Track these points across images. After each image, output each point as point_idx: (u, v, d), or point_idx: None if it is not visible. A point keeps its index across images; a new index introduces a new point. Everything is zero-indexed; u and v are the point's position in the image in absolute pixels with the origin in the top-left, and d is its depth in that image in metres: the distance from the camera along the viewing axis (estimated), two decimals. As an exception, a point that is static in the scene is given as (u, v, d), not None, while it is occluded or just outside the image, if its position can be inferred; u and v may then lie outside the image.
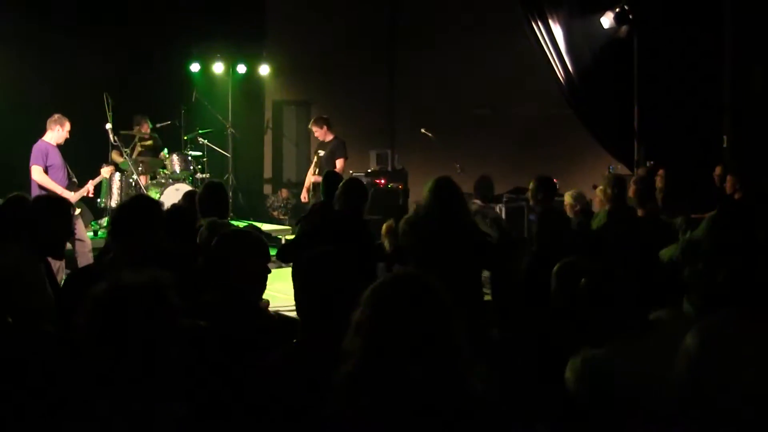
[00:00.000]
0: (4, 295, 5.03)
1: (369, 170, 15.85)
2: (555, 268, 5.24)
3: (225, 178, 15.85)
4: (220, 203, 8.05)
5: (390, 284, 2.85)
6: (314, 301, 3.73)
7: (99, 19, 15.26)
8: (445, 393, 2.68)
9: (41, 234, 5.71)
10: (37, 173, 11.12)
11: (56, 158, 11.36)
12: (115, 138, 12.92)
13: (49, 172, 11.19)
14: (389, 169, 15.95)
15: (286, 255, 8.26)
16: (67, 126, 11.55)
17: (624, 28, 13.82)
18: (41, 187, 11.00)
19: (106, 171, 12.29)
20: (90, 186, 11.66)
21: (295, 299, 3.83)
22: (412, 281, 2.84)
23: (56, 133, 11.46)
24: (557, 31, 13.97)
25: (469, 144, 16.24)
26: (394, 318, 2.73)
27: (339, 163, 13.36)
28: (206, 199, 7.93)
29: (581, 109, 14.47)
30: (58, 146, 11.44)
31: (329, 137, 13.76)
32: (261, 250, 4.56)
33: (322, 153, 13.65)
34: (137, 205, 5.58)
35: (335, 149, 13.61)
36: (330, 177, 9.38)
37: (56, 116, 11.54)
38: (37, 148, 11.26)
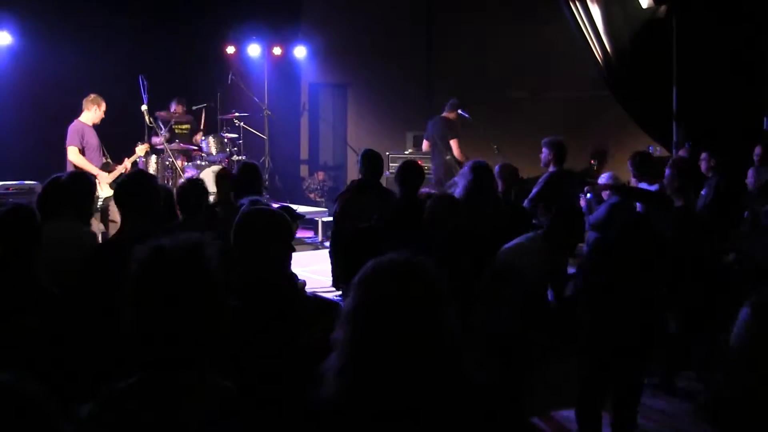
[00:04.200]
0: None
1: (407, 152, 15.88)
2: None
3: (261, 160, 15.86)
4: (255, 183, 8.07)
5: (375, 271, 2.66)
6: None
7: (134, 0, 15.32)
8: (438, 382, 2.56)
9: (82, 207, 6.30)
10: (73, 154, 11.20)
11: (92, 138, 11.45)
12: (151, 120, 12.94)
13: (85, 153, 11.27)
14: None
15: None
16: (103, 106, 11.64)
17: (663, 7, 13.65)
18: (76, 167, 11.06)
19: (141, 149, 12.31)
20: (127, 163, 11.72)
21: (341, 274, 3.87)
22: (398, 266, 2.66)
23: (92, 113, 11.54)
24: (595, 11, 13.82)
25: (507, 125, 16.13)
26: (381, 305, 2.58)
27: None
28: (241, 180, 8.00)
29: (619, 91, 14.33)
30: (94, 126, 11.51)
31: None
32: (282, 228, 4.44)
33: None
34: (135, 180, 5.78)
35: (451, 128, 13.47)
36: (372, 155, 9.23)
37: (92, 96, 11.62)
38: (73, 129, 11.35)
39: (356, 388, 2.56)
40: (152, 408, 2.80)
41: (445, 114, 13.54)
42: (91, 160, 11.26)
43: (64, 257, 5.61)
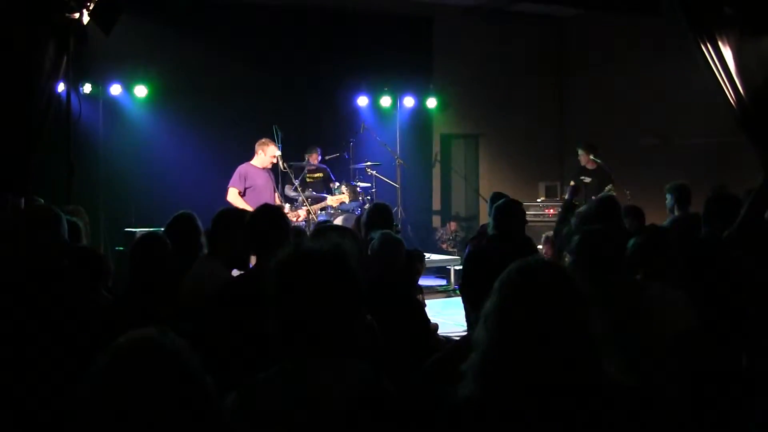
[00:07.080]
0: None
1: (539, 199, 15.93)
2: None
3: (394, 210, 15.96)
4: (386, 220, 8.25)
5: (517, 272, 2.79)
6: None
7: (272, 54, 15.90)
8: (579, 378, 2.63)
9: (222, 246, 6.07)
10: (231, 195, 11.46)
11: (257, 180, 11.65)
12: (285, 166, 13.21)
13: (247, 194, 11.46)
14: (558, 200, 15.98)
15: None
16: (271, 150, 11.92)
17: (798, 48, 13.38)
18: (234, 207, 11.23)
19: (334, 200, 12.76)
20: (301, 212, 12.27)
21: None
22: (540, 268, 2.80)
23: (259, 157, 11.79)
24: (727, 53, 13.59)
25: (640, 172, 15.97)
26: (523, 306, 2.68)
27: None
28: (372, 216, 8.22)
29: (754, 134, 14.01)
30: (266, 168, 11.91)
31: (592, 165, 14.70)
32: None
33: (587, 180, 14.55)
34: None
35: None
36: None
37: (263, 140, 11.91)
38: (237, 171, 11.66)
39: (496, 388, 2.65)
40: (295, 394, 2.91)
41: None
42: (256, 200, 11.07)
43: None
